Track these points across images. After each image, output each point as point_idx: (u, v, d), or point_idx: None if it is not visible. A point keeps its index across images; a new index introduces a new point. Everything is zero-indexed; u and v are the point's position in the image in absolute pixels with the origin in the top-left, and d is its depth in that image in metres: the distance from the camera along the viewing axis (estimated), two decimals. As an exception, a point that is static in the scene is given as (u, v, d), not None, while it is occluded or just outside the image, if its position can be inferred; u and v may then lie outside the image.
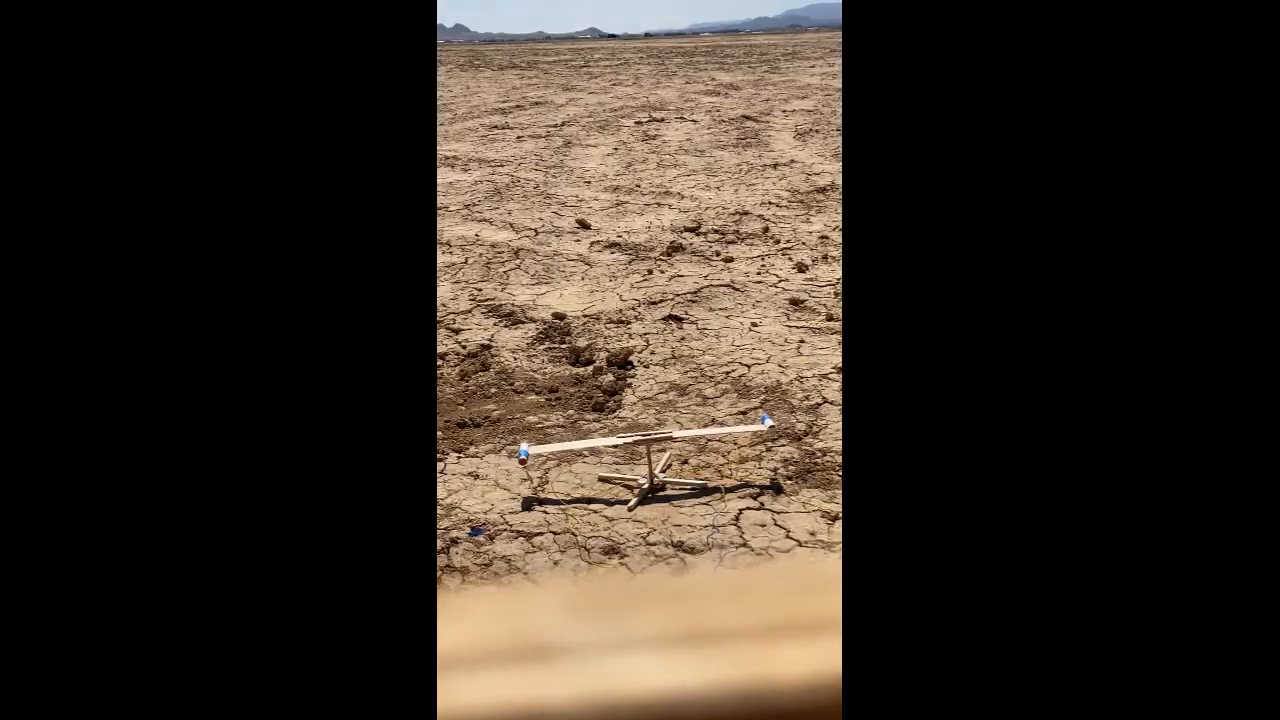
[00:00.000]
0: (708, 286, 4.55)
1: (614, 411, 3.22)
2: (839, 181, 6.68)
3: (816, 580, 0.43)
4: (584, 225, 5.88)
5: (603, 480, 2.69)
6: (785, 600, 0.41)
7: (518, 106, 13.74)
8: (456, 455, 2.90)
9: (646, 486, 2.58)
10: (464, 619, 0.40)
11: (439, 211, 6.47)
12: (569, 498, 2.60)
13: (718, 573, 1.80)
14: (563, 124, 11.29)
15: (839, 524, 2.61)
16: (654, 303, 4.34)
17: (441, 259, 5.20)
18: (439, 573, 2.24)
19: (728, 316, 4.14)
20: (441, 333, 4.04)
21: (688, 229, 5.71)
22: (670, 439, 2.80)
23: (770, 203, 6.42)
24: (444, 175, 7.86)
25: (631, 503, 2.54)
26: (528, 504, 2.57)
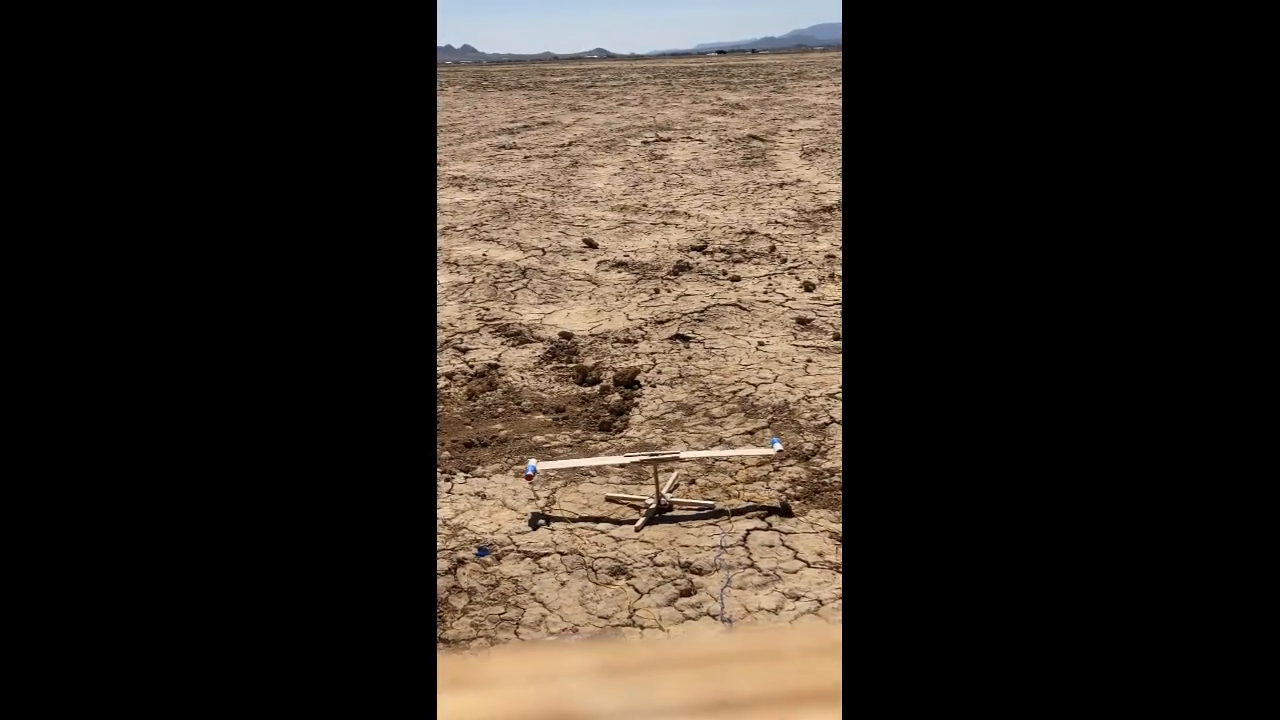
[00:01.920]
0: (715, 306, 4.55)
1: (621, 431, 3.22)
2: (845, 200, 6.66)
3: (833, 644, 0.43)
4: (591, 245, 5.90)
5: (610, 500, 2.69)
6: (804, 666, 0.41)
7: (525, 127, 13.81)
8: (464, 475, 2.90)
9: (654, 507, 2.58)
10: (496, 685, 0.41)
11: (446, 231, 6.49)
12: (576, 518, 2.60)
13: (739, 635, 1.79)
14: (570, 144, 11.35)
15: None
16: (661, 322, 4.35)
17: (449, 278, 5.22)
18: (446, 594, 2.23)
19: (735, 336, 4.14)
20: (449, 352, 4.04)
21: (694, 248, 5.72)
22: (677, 459, 2.80)
23: (777, 222, 6.43)
24: (452, 195, 7.90)
25: (639, 523, 2.53)
26: (535, 524, 2.56)
